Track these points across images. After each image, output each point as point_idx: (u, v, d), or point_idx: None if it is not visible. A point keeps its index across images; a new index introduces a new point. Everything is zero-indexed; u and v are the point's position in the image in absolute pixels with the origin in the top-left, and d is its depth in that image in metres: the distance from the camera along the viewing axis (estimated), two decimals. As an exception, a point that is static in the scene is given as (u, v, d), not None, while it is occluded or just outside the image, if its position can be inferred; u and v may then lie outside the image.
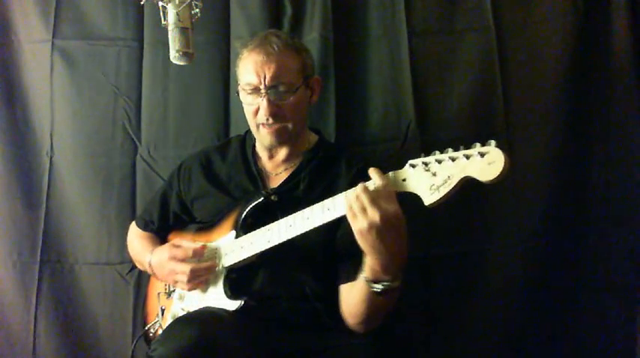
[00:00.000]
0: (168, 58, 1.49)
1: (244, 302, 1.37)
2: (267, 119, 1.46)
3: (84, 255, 1.99)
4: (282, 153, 1.56)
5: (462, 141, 1.81)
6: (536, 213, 1.87)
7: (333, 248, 1.41)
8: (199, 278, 1.46)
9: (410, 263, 1.81)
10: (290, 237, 1.31)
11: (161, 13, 1.49)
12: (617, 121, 1.85)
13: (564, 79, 1.88)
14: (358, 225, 1.16)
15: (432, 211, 1.80)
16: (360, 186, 1.18)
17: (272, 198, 1.47)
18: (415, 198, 1.15)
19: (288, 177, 1.53)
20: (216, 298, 1.44)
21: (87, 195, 2.00)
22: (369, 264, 1.22)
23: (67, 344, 1.97)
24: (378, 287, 1.22)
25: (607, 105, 1.86)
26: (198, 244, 1.49)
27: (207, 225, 1.56)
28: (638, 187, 1.83)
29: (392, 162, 1.83)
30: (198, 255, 1.46)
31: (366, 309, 1.30)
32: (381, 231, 1.15)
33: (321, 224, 1.26)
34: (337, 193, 1.24)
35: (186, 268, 1.44)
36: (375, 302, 1.27)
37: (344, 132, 1.90)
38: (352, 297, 1.32)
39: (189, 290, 1.49)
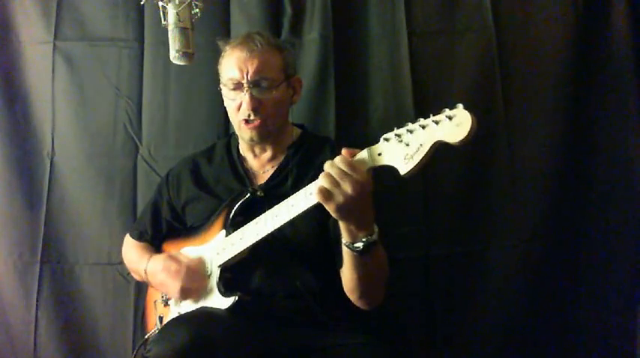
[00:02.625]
0: (169, 58, 1.49)
1: (238, 298, 1.38)
2: (249, 115, 1.47)
3: (85, 256, 1.99)
4: (267, 151, 1.58)
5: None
6: (536, 213, 1.87)
7: (327, 238, 1.41)
8: (188, 294, 1.48)
9: (410, 263, 1.85)
10: (277, 227, 1.32)
11: (161, 13, 1.50)
12: (617, 121, 1.86)
13: (564, 78, 1.88)
14: (334, 204, 1.16)
15: (432, 211, 1.86)
16: (327, 163, 1.18)
17: (258, 193, 1.48)
18: (394, 173, 1.15)
19: (274, 172, 1.55)
20: (212, 298, 1.44)
21: (88, 195, 2.00)
22: (344, 227, 1.22)
23: (67, 345, 1.97)
24: (359, 245, 1.23)
25: (607, 105, 1.87)
26: (193, 259, 1.50)
27: (199, 229, 1.56)
28: (638, 187, 1.83)
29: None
30: (190, 273, 1.47)
31: (359, 278, 1.30)
32: (354, 199, 1.15)
33: (305, 209, 1.26)
34: None
35: (176, 284, 1.46)
36: (364, 267, 1.28)
37: (344, 132, 1.90)
38: (346, 272, 1.33)
39: (179, 302, 1.51)
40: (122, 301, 1.96)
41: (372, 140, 1.90)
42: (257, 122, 1.49)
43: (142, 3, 1.66)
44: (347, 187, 1.14)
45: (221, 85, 1.55)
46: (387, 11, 1.95)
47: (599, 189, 1.86)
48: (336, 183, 1.16)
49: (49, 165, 2.00)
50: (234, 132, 1.62)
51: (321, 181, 1.17)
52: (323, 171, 1.19)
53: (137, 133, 2.01)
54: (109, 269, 1.98)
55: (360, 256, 1.24)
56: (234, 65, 1.48)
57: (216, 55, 1.94)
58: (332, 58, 1.92)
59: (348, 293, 1.37)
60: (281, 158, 1.57)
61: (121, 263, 1.94)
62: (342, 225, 1.22)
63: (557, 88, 1.89)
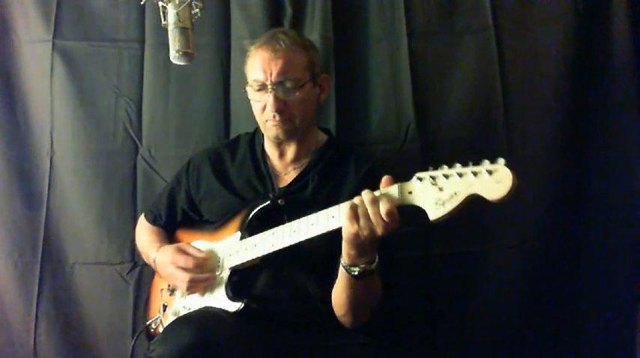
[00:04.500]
0: (169, 58, 1.49)
1: (244, 305, 1.38)
2: (274, 116, 1.46)
3: (84, 255, 1.99)
4: (291, 151, 1.56)
5: (461, 141, 1.86)
6: (536, 213, 1.87)
7: (338, 248, 1.41)
8: (196, 288, 1.48)
9: (410, 263, 1.85)
10: (294, 243, 1.32)
11: (161, 13, 1.49)
12: (616, 121, 1.85)
13: (564, 79, 1.88)
14: (354, 229, 1.17)
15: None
16: (369, 195, 1.18)
17: (279, 201, 1.47)
18: (419, 210, 1.15)
19: (297, 177, 1.53)
20: (218, 299, 1.44)
21: (87, 195, 2.00)
22: (346, 249, 1.23)
23: (67, 344, 1.97)
24: (355, 270, 1.23)
25: (607, 105, 1.86)
26: (202, 253, 1.49)
27: (215, 225, 1.56)
28: (637, 187, 1.82)
29: (392, 162, 1.86)
30: (199, 266, 1.46)
31: (348, 298, 1.31)
32: (377, 239, 1.18)
33: (325, 231, 1.26)
34: (345, 193, 1.24)
35: (185, 277, 1.46)
36: (355, 289, 1.28)
37: (344, 133, 1.90)
38: (337, 288, 1.33)
39: (187, 295, 1.51)
40: (121, 300, 1.96)
41: (371, 140, 1.94)
42: (282, 120, 1.47)
43: (142, 3, 1.65)
44: (379, 230, 1.16)
45: (247, 87, 1.53)
46: (387, 12, 1.94)
47: (599, 188, 1.86)
48: (367, 218, 1.16)
49: (48, 164, 2.00)
50: (258, 128, 1.61)
51: (354, 211, 1.17)
52: (345, 185, 1.18)
53: (137, 133, 2.00)
54: (108, 269, 1.97)
55: (355, 279, 1.25)
56: (258, 66, 1.47)
57: (216, 55, 1.97)
58: (332, 58, 1.92)
59: (334, 307, 1.37)
60: (304, 161, 1.56)
61: (121, 263, 1.96)
62: (345, 247, 1.23)
63: (557, 88, 1.89)
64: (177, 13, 1.45)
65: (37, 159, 2.01)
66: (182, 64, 1.50)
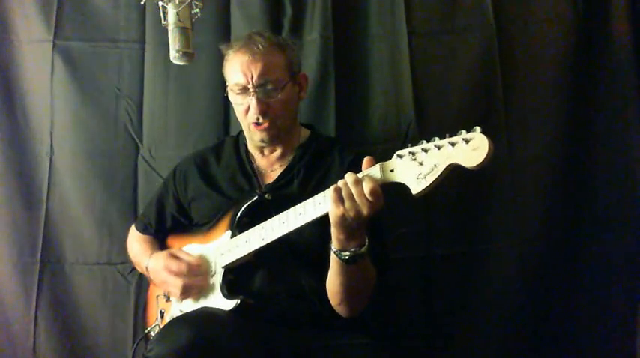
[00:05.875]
0: (169, 58, 1.49)
1: (240, 301, 1.38)
2: (258, 118, 1.47)
3: (85, 256, 1.99)
4: (276, 151, 1.58)
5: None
6: (536, 214, 1.87)
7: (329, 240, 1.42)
8: (190, 292, 1.48)
9: (410, 263, 1.85)
10: (284, 234, 1.32)
11: (161, 13, 1.50)
12: (616, 121, 1.86)
13: (564, 79, 1.89)
14: (340, 211, 1.18)
15: (432, 211, 1.86)
16: (352, 176, 1.19)
17: (266, 196, 1.48)
18: (404, 189, 1.15)
19: (282, 173, 1.55)
20: (214, 298, 1.44)
21: (88, 195, 2.00)
22: (335, 235, 1.23)
23: (67, 345, 1.97)
24: (346, 254, 1.24)
25: (607, 105, 1.87)
26: (194, 257, 1.50)
27: (204, 227, 1.57)
28: (637, 187, 1.83)
29: (392, 162, 1.85)
30: (192, 271, 1.47)
31: (342, 285, 1.31)
32: (364, 220, 1.18)
33: (313, 218, 1.26)
34: (330, 184, 1.24)
35: (178, 283, 1.46)
36: (348, 276, 1.28)
37: (344, 132, 1.90)
38: (330, 275, 1.33)
39: (181, 300, 1.51)
40: (122, 301, 1.96)
41: (372, 140, 1.94)
42: (266, 124, 1.49)
43: (142, 3, 1.66)
44: (365, 210, 1.16)
45: (228, 90, 1.54)
46: (387, 11, 1.95)
47: (598, 188, 1.86)
48: (352, 199, 1.17)
49: (48, 164, 2.00)
50: (242, 130, 1.62)
51: (339, 193, 1.18)
52: (330, 175, 1.18)
53: (137, 133, 2.01)
54: (109, 270, 1.98)
55: (346, 265, 1.25)
56: (238, 70, 1.48)
57: (216, 55, 1.96)
58: (332, 58, 1.92)
59: (329, 297, 1.37)
60: (289, 157, 1.57)
61: (122, 263, 1.96)
62: (334, 232, 1.23)
63: (557, 88, 1.89)
64: (177, 13, 1.46)
65: (37, 159, 2.01)
66: (182, 64, 1.51)
